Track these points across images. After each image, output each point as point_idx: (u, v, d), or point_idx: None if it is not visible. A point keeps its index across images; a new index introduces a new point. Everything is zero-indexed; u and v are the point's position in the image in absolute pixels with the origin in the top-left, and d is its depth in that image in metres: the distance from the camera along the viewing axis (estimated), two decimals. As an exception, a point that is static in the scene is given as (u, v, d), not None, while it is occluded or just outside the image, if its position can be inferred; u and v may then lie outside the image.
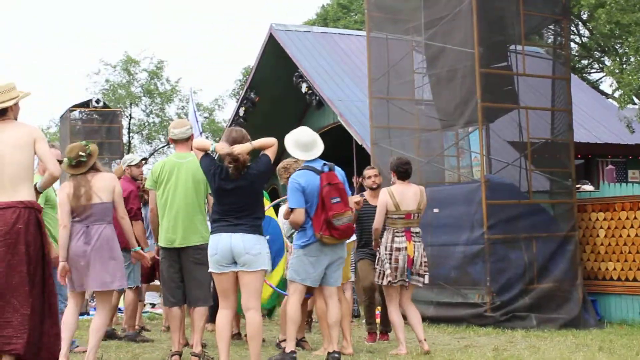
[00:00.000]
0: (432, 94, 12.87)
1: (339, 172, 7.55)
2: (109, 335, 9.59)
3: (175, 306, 7.69)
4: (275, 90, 19.78)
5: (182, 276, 7.62)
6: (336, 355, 7.38)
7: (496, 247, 10.87)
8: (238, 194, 6.55)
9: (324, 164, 7.47)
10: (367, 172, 9.39)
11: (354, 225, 7.65)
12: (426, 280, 8.31)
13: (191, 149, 7.82)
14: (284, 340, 7.80)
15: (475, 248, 10.92)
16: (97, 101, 26.88)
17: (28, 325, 5.81)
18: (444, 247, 11.18)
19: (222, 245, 6.50)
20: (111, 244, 7.17)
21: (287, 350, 7.29)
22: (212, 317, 9.93)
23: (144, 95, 43.16)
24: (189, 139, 7.79)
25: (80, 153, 7.20)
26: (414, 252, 8.14)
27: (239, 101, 21.19)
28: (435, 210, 10.97)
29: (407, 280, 8.17)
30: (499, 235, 10.90)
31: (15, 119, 6.22)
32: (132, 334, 9.50)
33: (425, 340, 8.13)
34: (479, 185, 11.07)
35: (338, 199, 7.33)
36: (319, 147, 7.59)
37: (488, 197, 10.88)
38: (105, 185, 7.18)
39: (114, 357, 7.75)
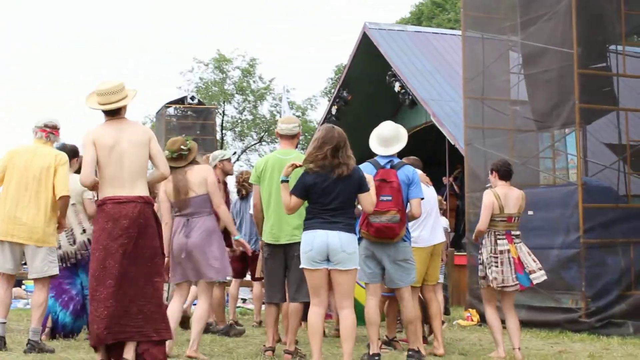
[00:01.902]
0: (527, 94, 12.69)
1: (406, 171, 7.45)
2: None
3: (275, 302, 7.75)
4: (368, 89, 19.78)
5: (285, 271, 7.63)
6: (413, 353, 7.34)
7: (592, 252, 10.66)
8: (334, 193, 6.57)
9: (390, 161, 7.41)
10: None
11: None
12: (544, 274, 8.13)
13: (295, 147, 7.91)
14: (393, 339, 7.85)
15: (570, 252, 10.73)
16: (192, 98, 27.33)
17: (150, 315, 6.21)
18: (537, 251, 10.88)
19: (318, 241, 6.52)
20: (212, 235, 7.37)
21: (371, 352, 7.28)
22: (303, 315, 10.05)
23: (237, 93, 43.71)
24: (295, 136, 7.86)
25: (182, 147, 7.40)
26: (518, 253, 8.02)
27: (332, 99, 21.27)
28: (530, 212, 10.80)
29: (518, 282, 8.02)
30: (595, 239, 10.68)
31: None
32: (224, 328, 9.64)
33: (519, 349, 7.98)
34: (576, 188, 10.87)
35: (389, 197, 7.24)
36: (400, 143, 7.54)
37: (585, 200, 10.67)
38: (198, 178, 7.36)
39: (208, 350, 7.87)
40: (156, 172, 6.52)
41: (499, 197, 8.07)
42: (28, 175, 7.61)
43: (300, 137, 8.17)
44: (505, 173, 8.29)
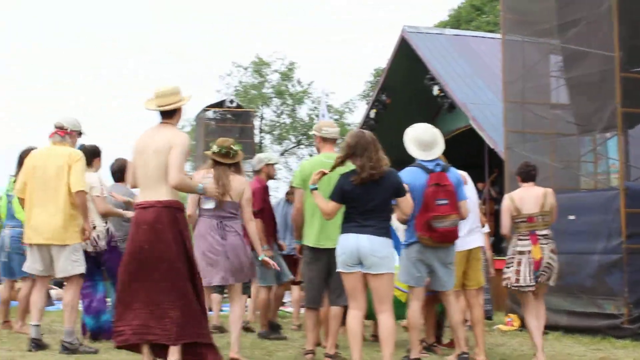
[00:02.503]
0: (568, 98, 12.60)
1: (453, 174, 7.46)
2: (243, 329, 9.83)
3: (315, 306, 7.78)
4: (407, 92, 19.73)
5: (326, 276, 7.64)
6: (465, 356, 7.31)
7: (635, 258, 10.52)
8: (368, 197, 6.57)
9: (437, 164, 7.39)
10: None
11: (458, 231, 7.46)
12: (551, 282, 8.12)
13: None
14: (432, 344, 7.85)
15: (612, 257, 10.62)
16: (231, 101, 27.49)
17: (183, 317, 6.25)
18: (578, 255, 10.91)
19: (349, 245, 6.53)
20: (243, 239, 7.47)
21: (411, 357, 7.27)
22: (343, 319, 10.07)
23: (275, 96, 43.87)
24: (335, 140, 7.93)
25: (232, 146, 7.48)
26: (542, 255, 7.99)
27: (370, 103, 21.25)
28: (571, 217, 10.74)
29: (534, 283, 8.02)
30: (638, 245, 10.56)
31: (177, 121, 6.62)
32: (265, 332, 9.70)
33: (543, 351, 7.97)
34: (617, 193, 10.76)
35: (445, 201, 7.22)
36: (440, 147, 7.51)
37: (627, 205, 10.57)
38: (237, 187, 7.40)
39: (249, 353, 7.91)
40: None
41: (514, 199, 8.10)
42: (45, 177, 7.73)
43: (339, 140, 8.19)
44: (526, 175, 8.31)
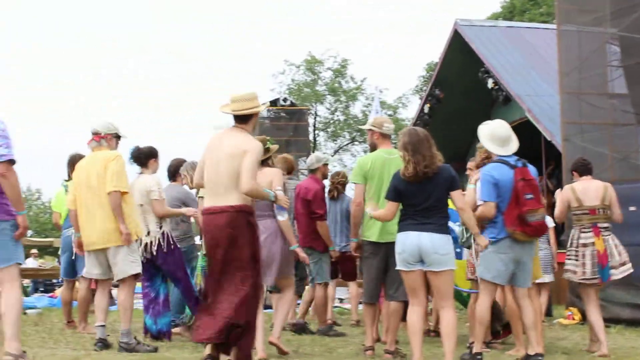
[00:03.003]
0: (627, 87, 12.42)
1: (531, 168, 7.43)
2: (301, 328, 9.87)
3: (373, 302, 7.79)
4: (460, 86, 19.64)
5: (385, 271, 7.64)
6: (539, 358, 7.23)
7: (698, 249, 10.33)
8: (425, 194, 6.57)
9: (517, 159, 7.35)
10: None
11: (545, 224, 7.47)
12: (630, 268, 8.04)
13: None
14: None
15: (674, 248, 10.43)
16: (285, 100, 27.61)
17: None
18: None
19: (409, 243, 6.52)
20: (280, 236, 7.47)
21: (474, 351, 7.23)
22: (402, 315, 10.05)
23: (329, 94, 43.91)
24: (390, 135, 7.94)
25: (267, 142, 7.53)
26: (604, 247, 7.91)
27: (424, 98, 21.18)
28: (632, 208, 10.57)
29: (598, 276, 7.93)
30: (701, 234, 10.36)
31: (254, 128, 6.64)
32: (324, 329, 9.74)
33: (606, 345, 7.86)
34: (678, 182, 10.58)
35: (531, 195, 7.19)
36: (515, 143, 7.47)
37: (689, 194, 10.39)
38: (265, 180, 7.34)
39: (309, 350, 7.95)
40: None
41: (575, 190, 8.07)
42: (89, 184, 7.81)
43: (393, 136, 8.18)
44: (583, 169, 8.32)
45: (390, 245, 7.44)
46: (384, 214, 6.80)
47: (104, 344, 7.75)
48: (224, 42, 71.39)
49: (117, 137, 8.14)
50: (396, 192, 6.66)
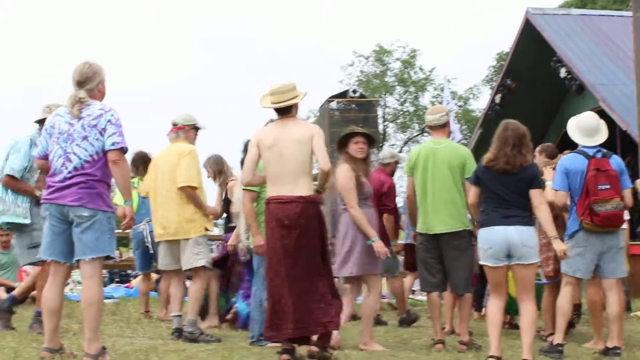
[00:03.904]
0: None
1: (615, 161, 7.32)
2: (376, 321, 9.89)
3: (432, 292, 7.78)
4: (532, 75, 19.40)
5: (441, 262, 7.64)
6: (617, 351, 7.14)
7: None
8: (509, 187, 6.54)
9: (598, 150, 7.27)
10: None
11: (623, 215, 7.34)
12: None
13: (447, 136, 7.91)
14: (550, 334, 7.70)
15: None
16: (354, 91, 27.49)
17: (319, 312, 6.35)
18: None
19: (497, 239, 6.47)
20: (349, 231, 7.47)
21: (555, 342, 7.17)
22: (477, 306, 10.01)
23: (398, 85, 43.76)
24: (444, 125, 7.86)
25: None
26: None
27: (495, 88, 20.98)
28: None
29: None
30: None
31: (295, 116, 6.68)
32: (405, 318, 9.80)
33: None
34: None
35: (607, 186, 7.11)
36: (603, 134, 7.40)
37: None
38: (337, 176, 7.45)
39: (383, 341, 7.96)
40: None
41: None
42: (164, 175, 7.93)
43: (463, 127, 8.15)
44: None
45: (443, 236, 7.46)
46: (468, 198, 6.89)
47: (180, 333, 7.87)
48: (292, 34, 71.65)
49: (196, 128, 8.22)
50: (476, 177, 6.76)
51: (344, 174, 7.48)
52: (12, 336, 7.26)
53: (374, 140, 7.78)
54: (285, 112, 6.64)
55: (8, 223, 7.85)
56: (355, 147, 7.54)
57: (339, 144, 7.64)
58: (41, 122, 7.64)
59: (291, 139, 6.48)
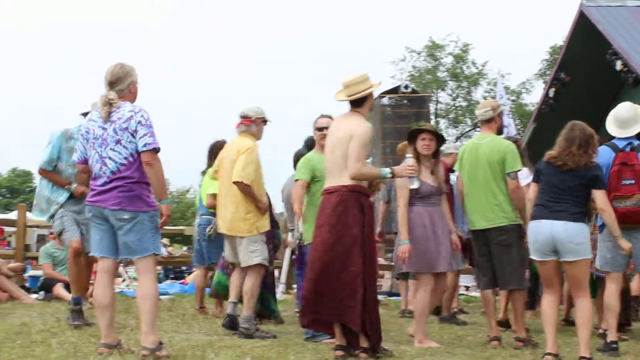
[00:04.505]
0: None
1: None
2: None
3: (485, 289, 7.73)
4: (587, 69, 19.16)
5: (490, 259, 7.57)
6: None
7: None
8: (559, 181, 6.47)
9: (629, 143, 7.15)
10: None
11: None
12: None
13: (495, 131, 7.83)
14: (606, 330, 7.61)
15: None
16: (406, 87, 27.40)
17: (361, 305, 6.31)
18: None
19: (542, 232, 6.44)
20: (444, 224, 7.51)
21: (609, 339, 7.08)
22: (530, 304, 9.90)
23: (450, 80, 43.51)
24: (490, 120, 7.80)
25: None
26: None
27: (549, 82, 20.77)
28: None
29: None
30: None
31: (370, 109, 6.68)
32: (447, 316, 9.73)
33: None
34: None
35: (632, 181, 7.02)
36: (637, 127, 7.28)
37: None
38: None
39: (438, 338, 7.93)
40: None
41: None
42: (226, 169, 8.01)
43: (516, 121, 8.10)
44: None
45: (488, 232, 7.40)
46: (527, 194, 6.83)
47: (231, 321, 7.95)
48: (343, 29, 71.58)
49: (264, 121, 8.27)
50: (536, 173, 6.73)
51: None
52: (71, 332, 7.37)
53: (442, 138, 7.74)
54: (357, 104, 6.66)
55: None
56: (422, 144, 7.50)
57: (408, 139, 7.63)
58: (87, 115, 7.79)
59: (337, 134, 6.55)
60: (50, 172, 8.03)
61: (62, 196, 8.06)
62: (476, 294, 12.53)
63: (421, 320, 7.44)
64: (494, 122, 7.80)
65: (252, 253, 7.89)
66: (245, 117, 8.11)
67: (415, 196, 7.37)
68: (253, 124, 8.11)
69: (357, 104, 6.65)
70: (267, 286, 9.22)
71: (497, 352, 7.06)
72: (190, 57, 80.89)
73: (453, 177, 10.30)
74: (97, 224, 6.06)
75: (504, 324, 8.55)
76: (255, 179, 7.89)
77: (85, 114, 7.89)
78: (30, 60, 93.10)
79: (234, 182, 7.83)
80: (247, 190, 7.82)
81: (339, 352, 6.37)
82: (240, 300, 8.13)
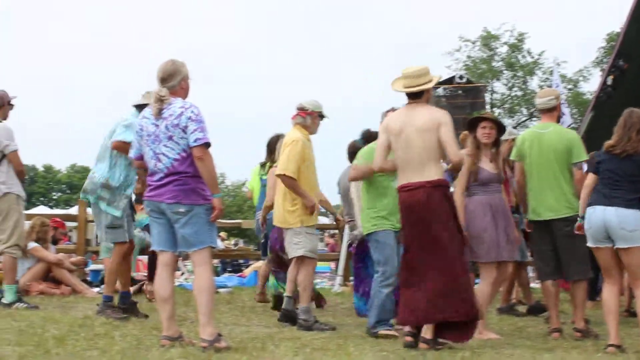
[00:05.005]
0: None
1: None
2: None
3: (546, 280, 7.64)
4: (645, 56, 18.78)
5: (554, 250, 7.49)
6: None
7: None
8: (617, 168, 6.40)
9: None
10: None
11: None
12: None
13: (556, 120, 7.73)
14: None
15: None
16: (461, 77, 27.33)
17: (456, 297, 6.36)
18: None
19: (595, 219, 6.40)
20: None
21: None
22: (590, 294, 9.76)
23: (506, 69, 43.12)
24: (552, 109, 7.71)
25: None
26: None
27: (607, 70, 20.40)
28: None
29: None
30: None
31: (428, 101, 6.65)
32: (506, 307, 9.67)
33: None
34: None
35: None
36: None
37: None
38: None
39: (498, 329, 7.88)
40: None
41: None
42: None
43: (573, 110, 7.98)
44: None
45: (553, 222, 7.31)
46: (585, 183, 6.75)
47: (285, 315, 8.02)
48: (450, 17, 71.07)
49: (321, 116, 8.29)
50: (596, 164, 6.65)
51: None
52: (133, 325, 7.48)
53: (502, 126, 7.67)
54: (416, 96, 6.64)
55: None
56: (482, 132, 7.43)
57: (467, 127, 7.58)
58: (139, 107, 7.93)
59: (417, 126, 6.48)
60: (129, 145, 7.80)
61: (130, 189, 8.19)
62: (534, 285, 12.38)
63: (481, 312, 7.40)
64: (556, 111, 7.72)
65: (296, 245, 7.98)
66: (301, 109, 8.14)
67: (475, 184, 7.33)
68: (309, 117, 8.13)
69: (416, 96, 6.63)
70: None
71: (558, 343, 6.99)
72: (252, 54, 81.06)
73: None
74: (155, 219, 6.16)
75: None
76: (303, 172, 7.91)
77: (137, 106, 8.03)
78: (91, 58, 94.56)
79: (277, 175, 7.90)
80: (291, 184, 7.86)
81: (409, 338, 6.43)
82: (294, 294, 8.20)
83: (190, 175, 6.00)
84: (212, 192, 6.07)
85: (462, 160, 6.51)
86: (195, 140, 5.95)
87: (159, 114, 6.05)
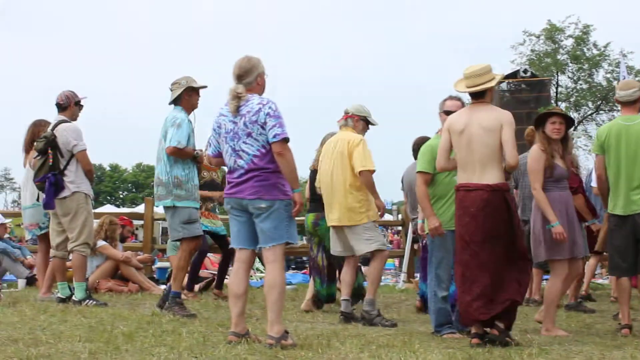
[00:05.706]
0: None
1: None
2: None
3: (623, 276, 7.47)
4: None
5: (634, 245, 7.30)
6: None
7: None
8: None
9: None
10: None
11: None
12: None
13: (639, 111, 7.56)
14: None
15: None
16: (525, 71, 26.90)
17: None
18: None
19: None
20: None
21: None
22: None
23: (571, 62, 42.50)
24: (636, 101, 7.52)
25: None
26: None
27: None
28: None
29: None
30: None
31: (491, 99, 6.61)
32: (573, 304, 9.54)
33: None
34: None
35: None
36: None
37: None
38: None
39: (565, 326, 7.77)
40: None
41: None
42: (334, 162, 8.13)
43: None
44: None
45: (637, 217, 7.16)
46: None
47: (345, 317, 8.03)
48: (514, 10, 70.34)
49: (366, 121, 8.36)
50: None
51: (532, 154, 7.36)
52: (199, 322, 7.56)
53: (572, 122, 7.56)
54: (479, 96, 6.60)
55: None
56: (552, 127, 7.33)
57: (535, 123, 7.46)
58: (175, 101, 8.20)
59: (480, 126, 6.43)
60: (183, 149, 8.05)
61: (196, 178, 8.36)
62: (602, 281, 12.22)
63: (550, 309, 7.32)
64: (638, 103, 7.55)
65: (368, 240, 8.00)
66: (346, 113, 8.27)
67: (549, 180, 7.23)
68: (350, 120, 8.29)
69: (479, 95, 6.58)
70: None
71: (628, 340, 6.87)
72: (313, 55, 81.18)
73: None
74: (236, 216, 6.21)
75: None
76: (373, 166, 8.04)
77: (174, 101, 8.22)
78: (149, 60, 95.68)
79: (360, 172, 7.90)
80: (370, 179, 7.92)
81: (475, 340, 6.36)
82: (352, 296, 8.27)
83: (271, 171, 6.05)
84: (292, 187, 6.11)
85: (518, 164, 6.42)
86: (274, 136, 6.00)
87: (236, 111, 6.10)
